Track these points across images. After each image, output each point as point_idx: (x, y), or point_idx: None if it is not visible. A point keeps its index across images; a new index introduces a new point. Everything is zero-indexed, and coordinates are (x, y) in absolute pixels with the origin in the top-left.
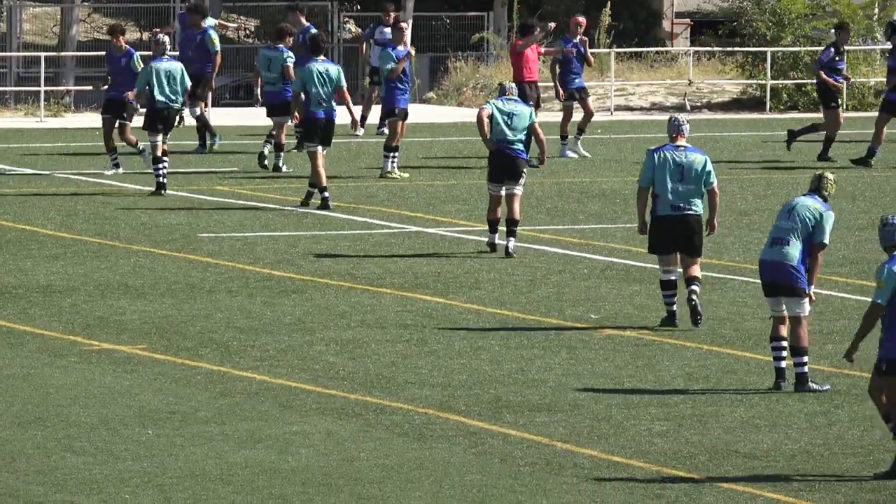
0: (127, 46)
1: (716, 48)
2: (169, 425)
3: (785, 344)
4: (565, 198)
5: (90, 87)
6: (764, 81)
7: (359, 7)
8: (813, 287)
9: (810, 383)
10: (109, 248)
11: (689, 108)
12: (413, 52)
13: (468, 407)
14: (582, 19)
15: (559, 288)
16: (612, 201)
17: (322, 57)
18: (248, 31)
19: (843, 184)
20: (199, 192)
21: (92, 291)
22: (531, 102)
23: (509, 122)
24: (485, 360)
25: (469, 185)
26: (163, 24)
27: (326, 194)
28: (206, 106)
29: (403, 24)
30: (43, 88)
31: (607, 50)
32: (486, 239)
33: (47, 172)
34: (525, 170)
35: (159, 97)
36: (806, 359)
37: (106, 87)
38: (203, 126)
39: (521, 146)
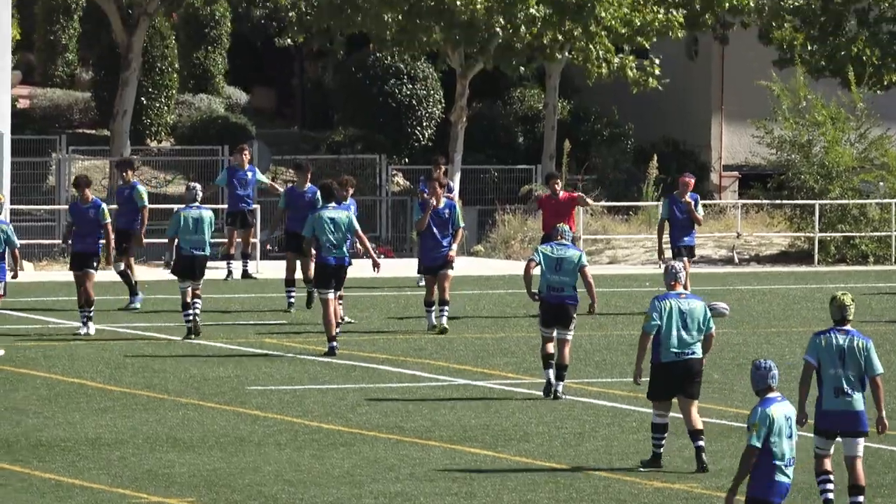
0: (93, 197)
1: (764, 201)
2: None
3: (832, 476)
4: (613, 350)
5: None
6: (812, 234)
7: (406, 161)
8: (884, 412)
9: None
10: (158, 400)
11: (737, 260)
12: (460, 204)
13: None
14: (689, 179)
15: (608, 441)
16: None
17: (332, 204)
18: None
19: None
20: (248, 345)
21: (140, 444)
22: None
23: (557, 268)
24: None
25: (517, 338)
26: (211, 176)
27: (335, 344)
28: (132, 262)
29: (437, 178)
30: None
31: (655, 203)
32: (536, 391)
33: (97, 326)
34: (575, 315)
35: (186, 244)
36: (862, 498)
37: (65, 241)
38: (126, 283)
39: (571, 290)
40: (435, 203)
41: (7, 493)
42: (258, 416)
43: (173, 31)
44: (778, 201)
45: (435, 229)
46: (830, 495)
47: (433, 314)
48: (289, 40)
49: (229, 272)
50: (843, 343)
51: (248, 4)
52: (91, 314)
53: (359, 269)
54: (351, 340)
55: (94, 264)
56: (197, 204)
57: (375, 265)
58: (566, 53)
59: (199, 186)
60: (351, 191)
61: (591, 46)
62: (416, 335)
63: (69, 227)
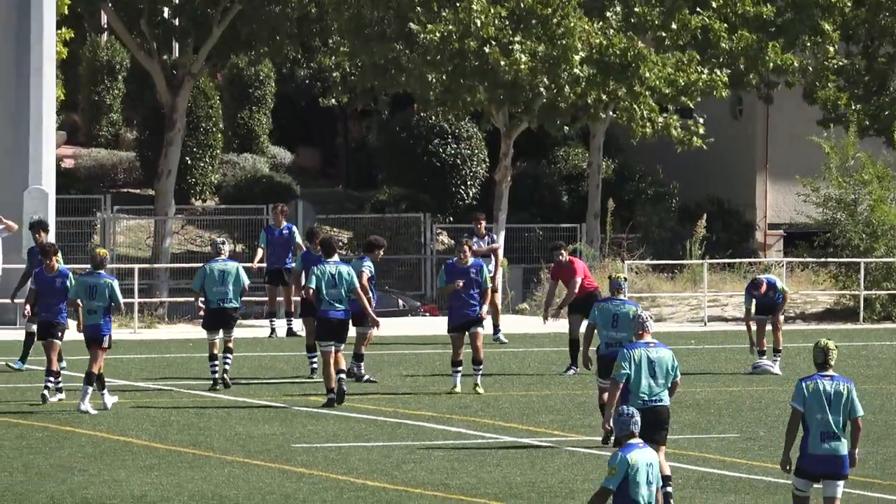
0: (59, 267)
1: (809, 259)
2: None
3: None
4: None
5: (184, 299)
6: (857, 292)
7: (451, 219)
8: (857, 450)
9: None
10: (203, 458)
11: (782, 318)
12: (505, 263)
13: None
14: (762, 289)
15: None
16: (706, 412)
17: (335, 258)
18: (341, 243)
19: None
20: (293, 403)
21: (186, 502)
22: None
23: (614, 324)
24: None
25: (563, 396)
26: (255, 236)
27: (334, 395)
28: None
29: (466, 245)
30: (137, 300)
31: (700, 261)
32: (581, 448)
33: (141, 384)
34: None
35: (213, 297)
36: None
37: (32, 310)
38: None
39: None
40: (461, 262)
41: None
42: (304, 474)
43: (217, 91)
44: (823, 259)
45: (464, 290)
46: None
47: (458, 376)
48: (333, 100)
49: (273, 330)
50: (829, 388)
51: (292, 65)
52: (59, 384)
53: (404, 326)
54: (396, 399)
55: (59, 334)
56: (223, 257)
57: (373, 323)
58: (610, 113)
59: (222, 240)
60: (381, 253)
61: (635, 106)
62: (461, 393)
63: (33, 295)
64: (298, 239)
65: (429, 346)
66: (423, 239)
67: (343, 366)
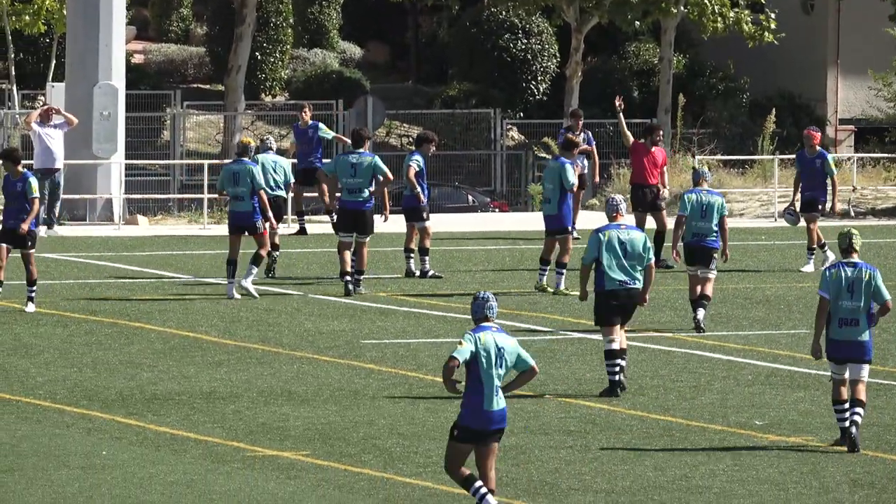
0: (24, 171)
1: (880, 154)
2: None
3: (847, 406)
4: (729, 304)
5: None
6: None
7: (521, 115)
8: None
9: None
10: (272, 354)
11: (853, 214)
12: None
13: None
14: (813, 133)
15: (723, 394)
16: (776, 307)
17: (362, 150)
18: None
19: None
20: (362, 299)
21: (255, 398)
22: (640, 209)
23: (703, 214)
24: (649, 467)
25: None
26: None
27: (347, 278)
28: None
29: (576, 139)
30: (206, 196)
31: (770, 156)
32: (651, 345)
33: (211, 280)
34: (716, 255)
35: (269, 186)
36: (863, 410)
37: None
38: None
39: (713, 235)
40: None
41: (123, 447)
42: (372, 370)
43: None
44: (894, 155)
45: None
46: (846, 423)
47: (544, 275)
48: None
49: (301, 228)
50: (851, 275)
51: None
52: (33, 294)
53: (473, 222)
54: (466, 295)
55: (29, 243)
56: (271, 151)
57: (384, 218)
58: (681, 8)
59: (273, 139)
60: (433, 148)
61: (706, 1)
62: (530, 289)
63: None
64: (326, 134)
65: (499, 241)
66: (493, 135)
67: (364, 265)
